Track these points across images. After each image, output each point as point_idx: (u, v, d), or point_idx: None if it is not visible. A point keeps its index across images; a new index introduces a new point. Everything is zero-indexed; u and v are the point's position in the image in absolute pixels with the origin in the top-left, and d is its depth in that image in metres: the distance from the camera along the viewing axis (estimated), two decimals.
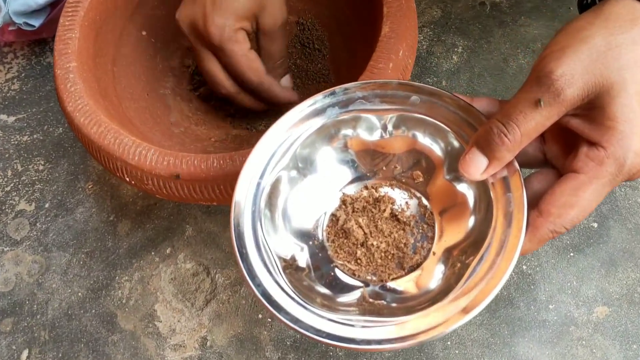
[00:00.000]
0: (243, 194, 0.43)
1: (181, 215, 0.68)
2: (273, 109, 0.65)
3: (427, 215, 0.47)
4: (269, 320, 0.62)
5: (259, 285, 0.39)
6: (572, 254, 0.62)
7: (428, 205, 0.47)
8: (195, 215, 0.68)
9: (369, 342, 0.36)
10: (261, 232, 0.42)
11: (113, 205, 0.70)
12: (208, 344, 0.61)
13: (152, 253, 0.67)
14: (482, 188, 0.43)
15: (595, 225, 0.64)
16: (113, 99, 0.62)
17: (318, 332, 0.37)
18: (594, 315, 0.59)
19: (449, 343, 0.59)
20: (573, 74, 0.35)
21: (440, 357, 0.58)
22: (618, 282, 0.61)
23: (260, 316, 0.62)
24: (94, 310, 0.64)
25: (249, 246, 0.41)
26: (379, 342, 0.36)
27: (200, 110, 0.68)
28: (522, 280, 0.61)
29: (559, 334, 0.58)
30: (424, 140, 0.47)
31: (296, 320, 0.37)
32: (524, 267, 0.62)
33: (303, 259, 0.45)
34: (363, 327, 0.37)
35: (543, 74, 0.36)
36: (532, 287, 0.61)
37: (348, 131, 0.48)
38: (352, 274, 0.45)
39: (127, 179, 0.55)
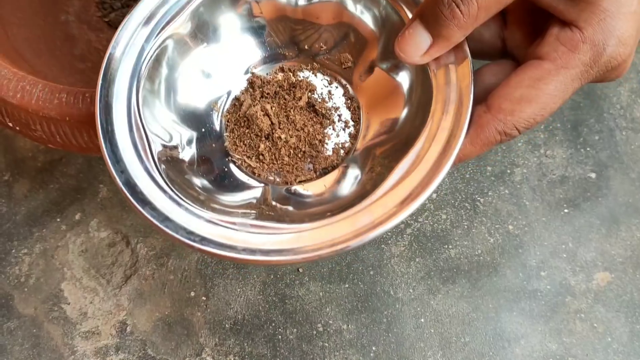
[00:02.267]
0: (118, 59, 0.35)
1: (93, 172, 0.57)
2: None
3: (352, 109, 0.39)
4: (204, 299, 0.51)
5: (122, 171, 0.32)
6: (566, 210, 0.54)
7: (355, 97, 0.40)
8: None
9: (252, 251, 0.30)
10: (136, 107, 0.35)
11: (7, 161, 0.59)
12: (128, 329, 0.51)
13: (58, 219, 0.56)
14: (420, 75, 0.35)
15: (593, 175, 0.55)
16: None
17: (190, 234, 0.30)
18: (593, 283, 0.51)
19: (422, 320, 0.49)
20: None
21: (412, 337, 0.49)
22: (621, 243, 0.52)
23: (192, 294, 0.51)
24: None
25: (117, 122, 0.34)
26: (266, 252, 0.30)
27: None
28: (508, 242, 0.52)
29: (553, 306, 0.50)
30: (355, 9, 0.39)
31: (164, 218, 0.31)
32: (510, 226, 0.53)
33: (189, 147, 0.37)
34: (249, 232, 0.31)
35: None
36: (519, 250, 0.52)
37: None
38: (252, 173, 0.38)
39: (10, 124, 0.45)
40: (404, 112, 0.36)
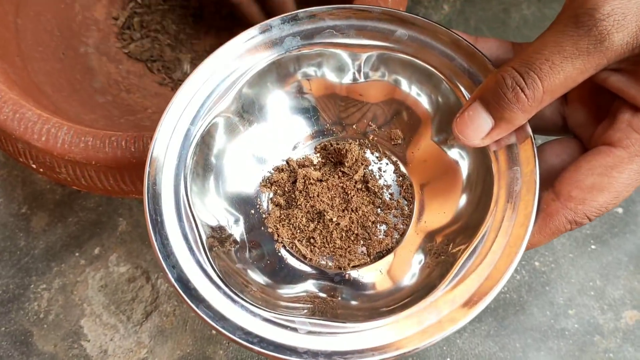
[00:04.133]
0: (164, 144, 0.34)
1: (112, 206, 0.57)
2: None
3: (404, 187, 0.38)
4: None
5: (174, 266, 0.31)
6: (593, 247, 0.53)
7: (407, 174, 0.38)
8: (130, 205, 0.56)
9: (315, 354, 0.29)
10: (185, 195, 0.33)
11: (25, 194, 0.58)
12: None
13: (76, 254, 0.55)
14: (480, 157, 0.34)
15: (620, 210, 0.54)
16: (15, 60, 0.50)
17: (248, 335, 0.29)
18: (622, 322, 0.50)
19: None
20: (625, 13, 0.27)
21: None
22: None
23: (214, 331, 0.50)
24: (3, 328, 0.52)
25: (166, 213, 0.32)
26: (328, 355, 0.29)
27: (133, 73, 0.55)
28: (535, 279, 0.51)
29: (581, 345, 0.49)
30: (409, 89, 0.38)
31: (220, 318, 0.30)
32: (537, 263, 0.52)
33: (237, 232, 0.36)
34: (309, 332, 0.29)
35: (583, 11, 0.28)
36: (547, 288, 0.51)
37: (310, 70, 0.38)
38: (302, 257, 0.36)
39: (34, 166, 0.44)
40: (464, 196, 0.35)
